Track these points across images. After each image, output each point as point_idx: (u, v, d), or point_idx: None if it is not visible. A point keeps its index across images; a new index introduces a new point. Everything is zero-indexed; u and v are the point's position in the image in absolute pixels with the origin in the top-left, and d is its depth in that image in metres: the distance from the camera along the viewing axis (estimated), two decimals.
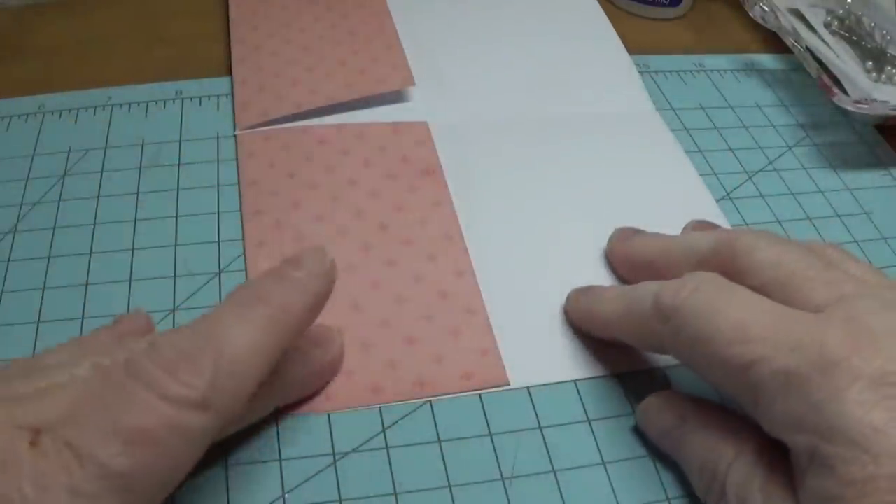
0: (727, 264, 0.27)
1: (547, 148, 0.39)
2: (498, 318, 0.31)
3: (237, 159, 0.37)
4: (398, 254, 0.33)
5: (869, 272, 0.27)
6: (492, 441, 0.28)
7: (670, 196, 0.37)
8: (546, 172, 0.38)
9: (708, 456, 0.25)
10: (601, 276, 0.33)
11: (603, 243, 0.34)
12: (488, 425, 0.28)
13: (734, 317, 0.24)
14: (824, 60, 0.44)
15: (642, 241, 0.32)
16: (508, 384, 0.29)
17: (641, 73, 0.44)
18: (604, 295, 0.30)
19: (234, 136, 0.38)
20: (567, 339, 0.31)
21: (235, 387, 0.20)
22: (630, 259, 0.32)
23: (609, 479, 0.27)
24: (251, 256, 0.33)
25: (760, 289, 0.25)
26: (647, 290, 0.27)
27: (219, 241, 0.33)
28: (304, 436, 0.27)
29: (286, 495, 0.26)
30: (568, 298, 0.32)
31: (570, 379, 0.30)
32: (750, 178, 0.40)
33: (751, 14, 0.47)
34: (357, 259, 0.33)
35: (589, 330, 0.31)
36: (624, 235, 0.33)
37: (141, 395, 0.19)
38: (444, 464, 0.27)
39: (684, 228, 0.33)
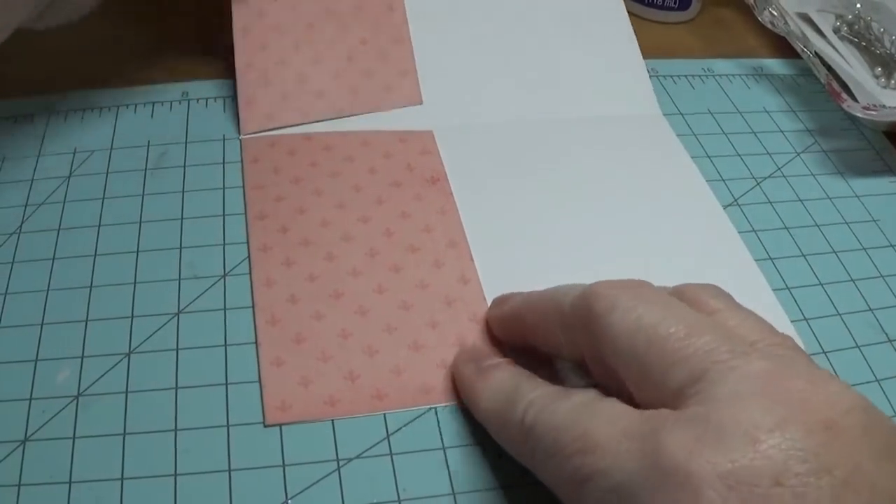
0: (585, 328, 0.24)
1: (552, 152, 0.39)
2: None
3: (242, 163, 0.36)
4: (404, 260, 0.33)
5: (751, 325, 0.23)
6: (497, 448, 0.27)
7: (676, 202, 0.37)
8: (551, 177, 0.37)
9: None
10: None
11: (610, 249, 0.34)
12: None
13: (581, 425, 0.22)
14: (833, 66, 0.44)
15: (512, 300, 0.30)
16: None
17: (650, 77, 0.44)
18: (482, 385, 0.27)
19: (239, 139, 0.38)
20: None
21: None
22: (501, 319, 0.30)
23: None
24: (256, 260, 0.32)
25: (616, 364, 0.23)
26: (521, 396, 0.25)
27: (224, 244, 0.33)
28: (307, 441, 0.27)
29: (289, 501, 0.26)
30: (455, 364, 0.29)
31: None
32: (758, 184, 0.39)
33: (760, 19, 0.47)
34: (362, 264, 0.32)
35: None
36: (496, 302, 0.31)
37: None
38: (449, 470, 0.27)
39: None
